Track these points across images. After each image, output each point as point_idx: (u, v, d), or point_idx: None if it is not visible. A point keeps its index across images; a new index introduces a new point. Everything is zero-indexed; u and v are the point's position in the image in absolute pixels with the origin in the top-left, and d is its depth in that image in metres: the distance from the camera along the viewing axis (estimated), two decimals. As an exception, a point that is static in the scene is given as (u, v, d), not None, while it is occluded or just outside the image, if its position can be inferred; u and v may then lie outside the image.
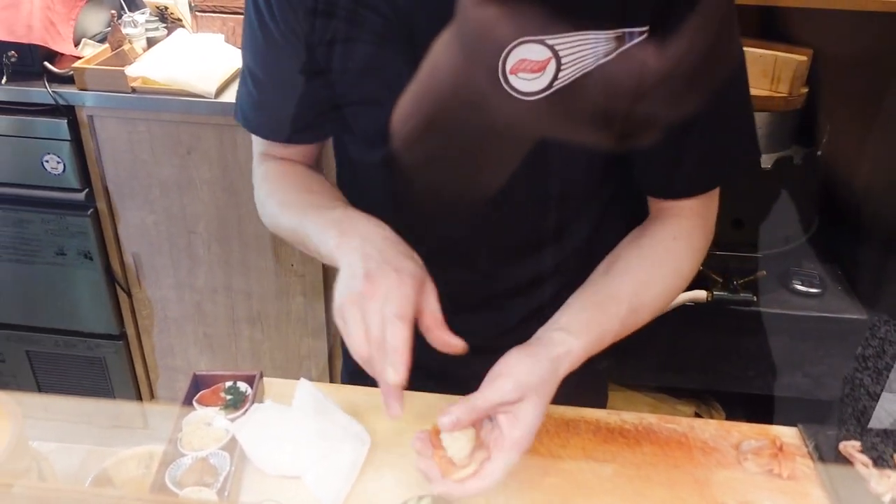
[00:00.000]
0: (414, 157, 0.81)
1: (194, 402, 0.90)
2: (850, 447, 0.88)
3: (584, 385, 0.95)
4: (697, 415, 1.96)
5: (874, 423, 0.93)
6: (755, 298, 1.66)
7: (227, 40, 1.99)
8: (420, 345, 0.71)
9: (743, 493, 0.84)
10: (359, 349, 0.69)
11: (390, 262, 0.72)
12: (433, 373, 0.84)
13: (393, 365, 0.67)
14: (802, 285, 1.71)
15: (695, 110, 0.78)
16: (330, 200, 0.87)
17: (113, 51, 1.87)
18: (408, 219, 0.86)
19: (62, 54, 1.87)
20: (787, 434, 0.93)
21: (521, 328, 0.82)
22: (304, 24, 0.79)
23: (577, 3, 0.70)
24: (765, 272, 1.69)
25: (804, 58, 1.67)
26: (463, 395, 0.75)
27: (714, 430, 0.93)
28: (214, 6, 1.99)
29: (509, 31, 0.70)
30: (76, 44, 1.91)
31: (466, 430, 0.74)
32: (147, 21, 2.02)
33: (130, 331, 2.14)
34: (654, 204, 0.89)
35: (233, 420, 0.87)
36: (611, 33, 0.71)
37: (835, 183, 1.81)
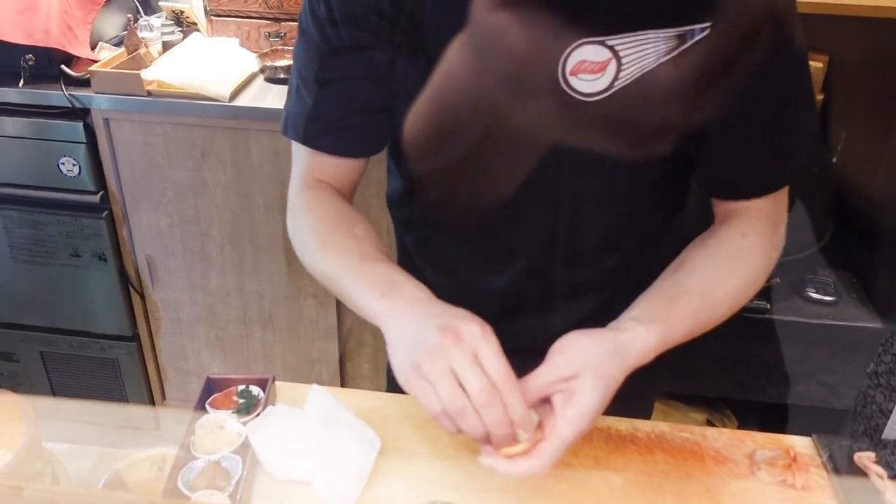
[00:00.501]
0: (473, 161, 0.80)
1: (207, 406, 0.90)
2: (865, 458, 0.87)
3: (633, 395, 0.96)
4: (709, 422, 1.94)
5: (888, 435, 0.92)
6: (769, 306, 1.65)
7: (241, 44, 2.01)
8: None
9: (756, 504, 0.83)
10: (450, 402, 0.67)
11: (459, 315, 0.71)
12: None
13: (511, 402, 0.67)
14: (817, 293, 1.69)
15: (759, 107, 0.77)
16: (373, 250, 0.83)
17: (129, 54, 1.88)
18: (467, 225, 0.87)
19: (79, 58, 1.88)
20: (802, 444, 0.92)
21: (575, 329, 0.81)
22: (366, 31, 0.78)
23: (637, 2, 0.70)
24: (778, 279, 1.68)
25: (819, 65, 1.66)
26: None
27: (727, 439, 0.92)
28: (230, 10, 2.00)
29: (569, 32, 0.70)
30: (93, 47, 1.93)
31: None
32: (163, 25, 2.03)
33: (143, 332, 2.15)
34: (720, 207, 0.87)
35: (245, 423, 0.87)
36: (671, 31, 0.70)
37: (850, 190, 1.80)
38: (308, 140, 0.90)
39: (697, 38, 0.71)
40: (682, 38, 0.71)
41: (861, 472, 0.86)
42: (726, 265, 0.83)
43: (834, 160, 1.75)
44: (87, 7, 1.92)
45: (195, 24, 2.08)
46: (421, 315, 0.73)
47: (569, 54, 0.71)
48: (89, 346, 2.15)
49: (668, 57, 0.71)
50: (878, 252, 1.71)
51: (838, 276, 1.75)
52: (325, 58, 0.83)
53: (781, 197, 0.86)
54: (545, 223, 0.87)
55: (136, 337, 2.15)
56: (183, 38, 2.03)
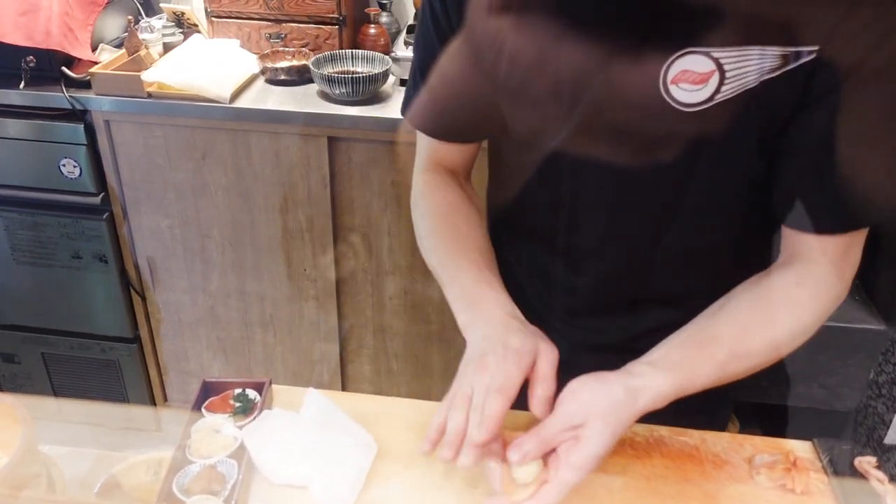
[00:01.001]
0: (569, 159, 0.82)
1: (203, 409, 0.90)
2: (866, 463, 0.87)
3: (707, 411, 0.97)
4: (711, 424, 1.94)
5: (889, 440, 0.92)
6: (771, 308, 1.64)
7: (242, 45, 2.00)
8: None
9: (755, 508, 0.83)
10: (441, 414, 0.76)
11: (503, 340, 0.77)
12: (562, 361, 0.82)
13: (480, 426, 0.72)
14: (819, 295, 1.68)
15: (853, 141, 0.74)
16: (473, 253, 0.89)
17: (129, 56, 1.88)
18: (557, 220, 0.89)
19: (80, 59, 1.88)
20: (802, 448, 0.92)
21: (653, 336, 0.82)
22: (477, 24, 0.79)
23: (746, 17, 0.68)
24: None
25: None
26: None
27: (726, 443, 0.92)
28: (230, 12, 2.00)
29: (675, 40, 0.69)
30: (94, 49, 1.93)
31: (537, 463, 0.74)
32: (163, 27, 2.03)
33: (144, 334, 2.15)
34: (787, 241, 0.83)
35: (241, 427, 0.87)
36: (777, 50, 0.69)
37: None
38: (422, 126, 0.95)
39: (803, 60, 0.70)
40: (787, 59, 0.70)
41: (861, 477, 0.86)
42: (769, 315, 0.80)
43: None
44: (87, 9, 1.92)
45: (196, 25, 2.08)
46: (483, 336, 0.80)
47: (672, 62, 0.70)
48: (90, 348, 2.15)
49: (770, 76, 0.70)
50: (881, 253, 1.70)
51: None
52: (435, 48, 0.85)
53: (853, 244, 0.80)
54: (629, 229, 0.87)
55: (137, 338, 2.15)
56: (184, 40, 2.03)
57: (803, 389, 1.71)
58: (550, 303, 1.00)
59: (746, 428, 1.90)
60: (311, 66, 1.84)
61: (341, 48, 1.99)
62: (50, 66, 1.83)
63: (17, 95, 1.82)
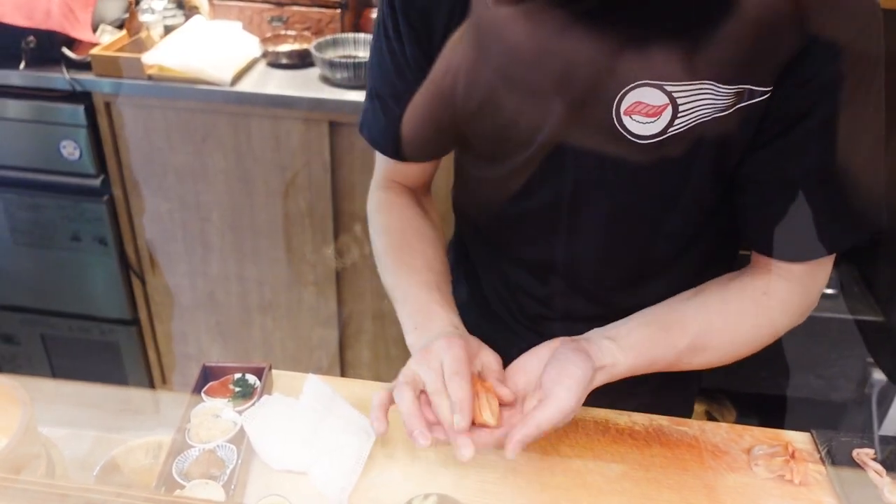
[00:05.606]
0: (525, 178, 0.83)
1: (203, 394, 0.90)
2: (864, 454, 0.87)
3: (673, 396, 1.00)
4: (708, 413, 1.94)
5: (886, 431, 0.92)
6: (770, 298, 1.64)
7: (244, 28, 1.99)
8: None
9: (753, 499, 0.83)
10: (383, 395, 0.76)
11: (443, 336, 0.78)
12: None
13: (460, 412, 0.71)
14: (818, 286, 1.68)
15: (810, 177, 0.75)
16: (426, 273, 0.89)
17: (130, 38, 1.87)
18: (513, 234, 0.91)
19: (80, 40, 1.87)
20: (800, 439, 0.92)
21: None
22: (428, 51, 0.80)
23: (700, 53, 0.69)
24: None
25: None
26: None
27: (725, 433, 0.92)
28: (232, -6, 1.99)
29: (629, 72, 0.70)
30: (94, 30, 1.92)
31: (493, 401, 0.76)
32: (165, 8, 2.01)
33: (143, 317, 2.15)
34: (757, 258, 0.84)
35: (241, 412, 0.87)
36: (731, 88, 0.70)
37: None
38: (379, 147, 0.94)
39: (757, 99, 0.70)
40: (740, 96, 0.70)
41: (859, 468, 0.86)
42: (734, 317, 0.82)
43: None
44: (88, -11, 1.90)
45: (197, 7, 2.06)
46: (423, 347, 0.79)
47: (626, 93, 0.71)
48: (90, 330, 2.15)
49: (723, 113, 0.71)
50: (881, 245, 1.70)
51: (840, 269, 1.75)
52: (389, 71, 0.84)
53: (820, 265, 0.81)
54: (586, 249, 0.88)
55: (136, 321, 2.15)
56: (185, 22, 2.02)
57: (801, 380, 1.72)
58: (515, 312, 1.00)
59: (744, 417, 1.91)
60: (312, 51, 1.83)
61: (343, 32, 1.97)
62: (50, 47, 1.82)
63: (17, 76, 1.80)
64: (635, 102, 0.71)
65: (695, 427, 0.92)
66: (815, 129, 0.72)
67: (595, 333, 0.81)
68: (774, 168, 0.75)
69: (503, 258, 0.98)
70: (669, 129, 0.72)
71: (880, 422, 0.90)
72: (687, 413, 1.09)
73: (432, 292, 0.86)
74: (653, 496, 0.83)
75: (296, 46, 1.92)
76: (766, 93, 0.70)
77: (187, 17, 2.04)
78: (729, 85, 0.69)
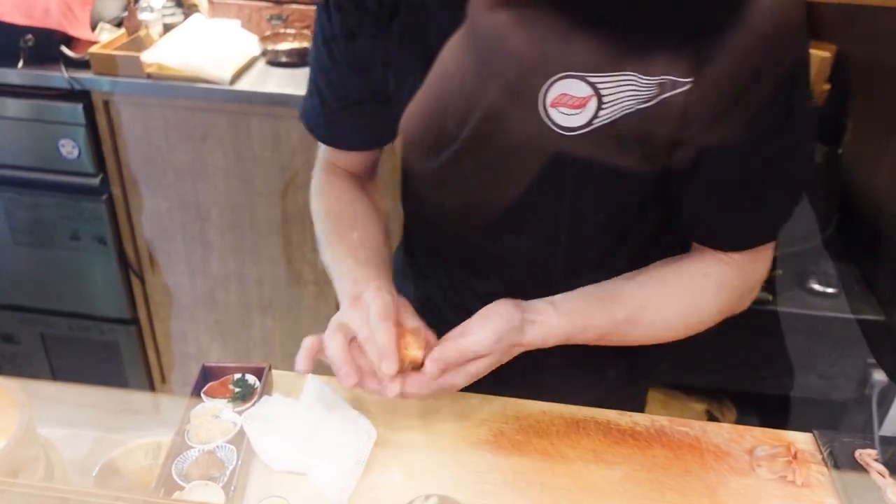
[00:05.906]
0: (455, 173, 0.83)
1: (202, 394, 0.90)
2: (867, 455, 0.87)
3: (623, 394, 1.01)
4: (708, 412, 1.94)
5: (887, 432, 0.92)
6: (771, 297, 1.64)
7: (243, 26, 1.99)
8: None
9: (755, 501, 0.83)
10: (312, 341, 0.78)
11: (373, 287, 0.79)
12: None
13: (386, 358, 0.73)
14: (819, 285, 1.68)
15: (738, 167, 0.76)
16: (362, 252, 0.90)
17: (129, 36, 1.86)
18: (455, 231, 0.92)
19: (79, 39, 1.86)
20: (802, 440, 0.91)
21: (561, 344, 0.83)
22: (365, 38, 0.80)
23: (621, 43, 0.69)
24: (781, 271, 1.66)
25: (827, 54, 1.64)
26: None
27: (727, 434, 0.91)
28: (231, -8, 1.98)
29: (552, 64, 0.70)
30: (93, 28, 1.91)
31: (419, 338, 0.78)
32: (163, 7, 2.01)
33: (143, 316, 2.15)
34: (697, 246, 0.87)
35: (240, 413, 0.87)
36: (654, 79, 0.70)
37: (855, 182, 1.78)
38: (320, 136, 0.94)
39: (679, 90, 0.70)
40: (663, 87, 0.70)
41: (862, 469, 0.86)
42: (672, 296, 0.84)
43: (840, 151, 1.73)
44: (86, -13, 1.90)
45: (196, 5, 2.06)
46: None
47: (550, 85, 0.71)
48: (89, 329, 2.15)
49: (647, 104, 0.71)
50: (882, 244, 1.70)
51: (841, 268, 1.74)
52: (322, 47, 0.84)
53: (759, 253, 0.84)
54: (522, 243, 0.88)
55: (135, 320, 2.14)
56: (184, 20, 2.01)
57: (802, 379, 1.72)
58: (462, 313, 1.00)
59: (744, 417, 1.91)
60: (312, 49, 1.83)
61: (343, 31, 1.97)
62: (49, 46, 1.81)
63: (16, 75, 1.80)
64: (561, 94, 0.71)
65: (696, 428, 0.92)
66: (738, 123, 0.72)
67: (537, 300, 0.83)
68: (702, 160, 0.76)
69: (448, 257, 0.98)
70: (595, 121, 0.72)
71: (880, 422, 0.90)
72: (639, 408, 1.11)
73: (368, 268, 0.87)
74: (655, 497, 0.83)
75: (295, 45, 1.92)
76: (687, 83, 0.70)
77: (186, 15, 2.04)
78: (651, 76, 0.70)
